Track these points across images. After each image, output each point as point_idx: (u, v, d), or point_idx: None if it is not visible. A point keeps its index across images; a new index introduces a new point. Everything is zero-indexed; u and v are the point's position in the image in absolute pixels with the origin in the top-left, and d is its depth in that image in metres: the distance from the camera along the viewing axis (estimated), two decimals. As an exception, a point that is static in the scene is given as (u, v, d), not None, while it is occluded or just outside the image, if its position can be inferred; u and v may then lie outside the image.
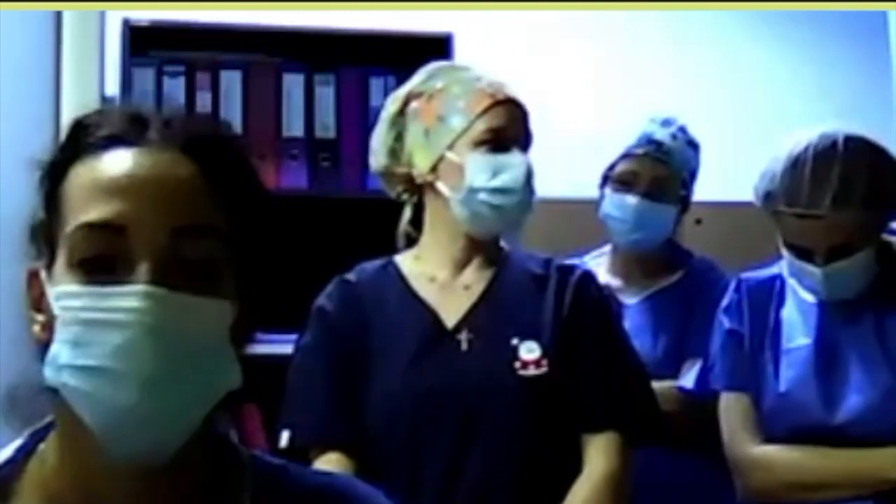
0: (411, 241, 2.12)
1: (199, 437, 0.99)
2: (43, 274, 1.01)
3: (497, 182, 1.99)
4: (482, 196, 2.00)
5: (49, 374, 0.97)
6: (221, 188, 1.00)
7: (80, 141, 1.01)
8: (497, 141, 2.00)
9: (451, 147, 2.02)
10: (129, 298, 0.94)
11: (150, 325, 0.94)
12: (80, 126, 1.02)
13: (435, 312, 2.01)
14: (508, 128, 2.01)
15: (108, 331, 0.94)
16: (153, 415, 0.94)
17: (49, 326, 0.99)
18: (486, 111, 2.01)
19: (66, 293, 0.97)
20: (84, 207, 0.97)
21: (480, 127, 2.01)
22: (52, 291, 0.98)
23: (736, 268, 2.56)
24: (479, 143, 2.00)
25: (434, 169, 2.04)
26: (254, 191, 1.05)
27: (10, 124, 2.41)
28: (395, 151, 2.10)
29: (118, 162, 0.98)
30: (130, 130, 1.00)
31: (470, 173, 2.00)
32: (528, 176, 1.99)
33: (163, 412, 0.95)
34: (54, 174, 1.01)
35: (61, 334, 0.96)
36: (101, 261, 0.96)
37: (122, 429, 0.95)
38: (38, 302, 1.01)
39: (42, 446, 1.04)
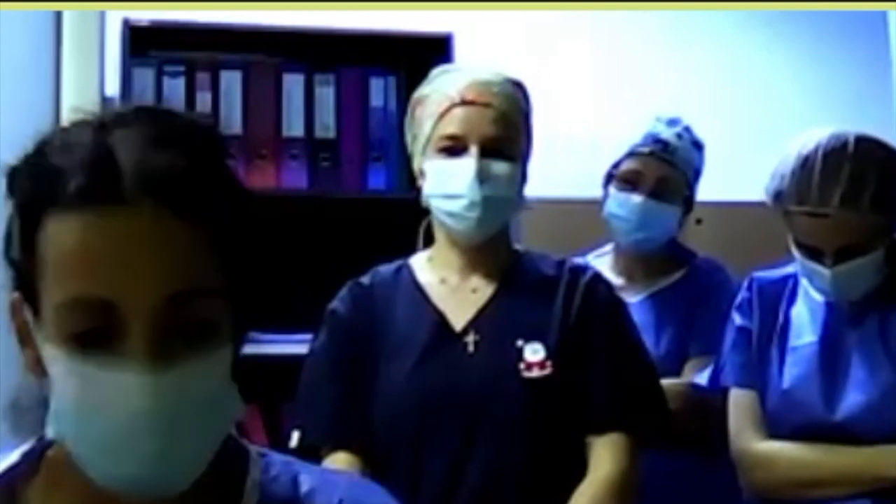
0: (432, 242, 2.12)
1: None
2: (27, 313, 0.97)
3: (445, 188, 2.00)
4: (435, 202, 2.02)
5: (53, 431, 0.96)
6: (208, 230, 0.94)
7: (52, 185, 0.93)
8: (452, 146, 2.00)
9: (423, 153, 2.04)
10: (125, 382, 0.91)
11: (150, 405, 0.91)
12: (47, 166, 0.95)
13: (443, 314, 2.02)
14: (464, 131, 1.99)
15: (108, 410, 0.91)
16: (165, 478, 0.94)
17: (39, 363, 0.96)
18: (443, 115, 2.01)
19: (59, 362, 0.93)
20: (67, 278, 0.92)
21: (438, 132, 2.01)
22: (43, 348, 0.95)
23: (736, 267, 2.57)
24: (439, 149, 2.01)
25: (421, 175, 2.06)
26: (244, 215, 0.99)
27: (9, 124, 2.41)
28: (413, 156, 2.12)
29: (97, 228, 0.91)
30: (104, 184, 0.92)
31: (427, 180, 2.02)
32: (485, 179, 1.97)
33: (171, 473, 0.94)
34: (28, 215, 0.95)
35: (60, 398, 0.94)
36: (93, 334, 0.92)
37: (129, 490, 0.95)
38: (23, 334, 0.98)
39: (50, 453, 1.03)
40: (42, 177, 0.95)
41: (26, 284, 0.96)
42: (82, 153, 0.94)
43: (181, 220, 0.93)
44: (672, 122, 2.63)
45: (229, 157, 1.02)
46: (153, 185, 0.92)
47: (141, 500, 0.97)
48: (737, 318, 2.22)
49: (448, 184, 1.99)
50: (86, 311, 0.91)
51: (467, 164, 1.98)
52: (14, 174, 0.98)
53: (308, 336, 2.10)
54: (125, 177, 0.92)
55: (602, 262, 2.65)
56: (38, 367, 0.97)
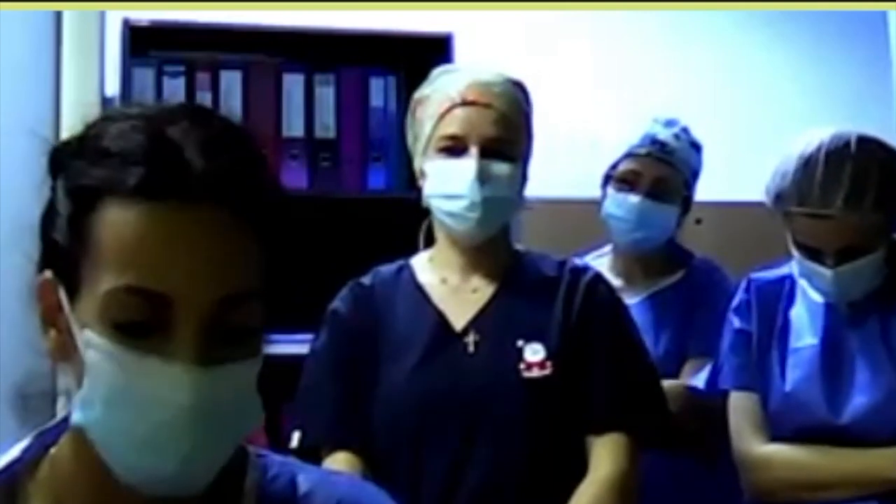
0: (433, 242, 2.12)
1: None
2: (62, 295, 0.96)
3: (445, 188, 2.00)
4: (435, 203, 2.02)
5: (79, 417, 0.94)
6: (263, 242, 0.96)
7: (113, 172, 0.93)
8: (453, 146, 2.00)
9: (424, 153, 2.04)
10: (172, 377, 0.91)
11: (194, 405, 0.91)
12: (106, 152, 0.94)
13: (444, 315, 2.02)
14: (465, 132, 1.99)
15: (149, 405, 0.91)
16: (192, 477, 0.94)
17: (63, 348, 0.96)
18: (443, 116, 2.01)
19: (99, 348, 0.92)
20: (125, 267, 0.92)
21: (438, 133, 2.01)
22: (79, 332, 0.94)
23: (736, 267, 2.57)
24: (439, 150, 2.01)
25: (422, 175, 2.06)
26: (287, 222, 1.01)
27: (10, 124, 2.41)
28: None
29: (161, 220, 0.92)
30: (170, 178, 0.92)
31: (428, 180, 2.03)
32: (486, 179, 1.97)
33: (193, 474, 0.95)
34: (82, 199, 0.94)
35: (94, 386, 0.93)
36: (142, 325, 0.92)
37: (149, 486, 0.95)
38: (52, 315, 0.97)
39: (54, 450, 1.03)
40: (101, 162, 0.94)
41: (66, 266, 0.95)
42: (144, 143, 0.94)
43: (239, 224, 0.94)
44: (670, 123, 2.63)
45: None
46: (220, 186, 0.93)
47: (149, 497, 0.96)
48: (735, 321, 2.22)
49: (448, 184, 1.99)
50: (140, 302, 0.91)
51: (468, 165, 1.98)
52: (63, 155, 0.98)
53: (308, 336, 2.10)
54: (194, 175, 0.93)
55: (601, 262, 2.65)
56: (60, 352, 0.97)
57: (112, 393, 0.92)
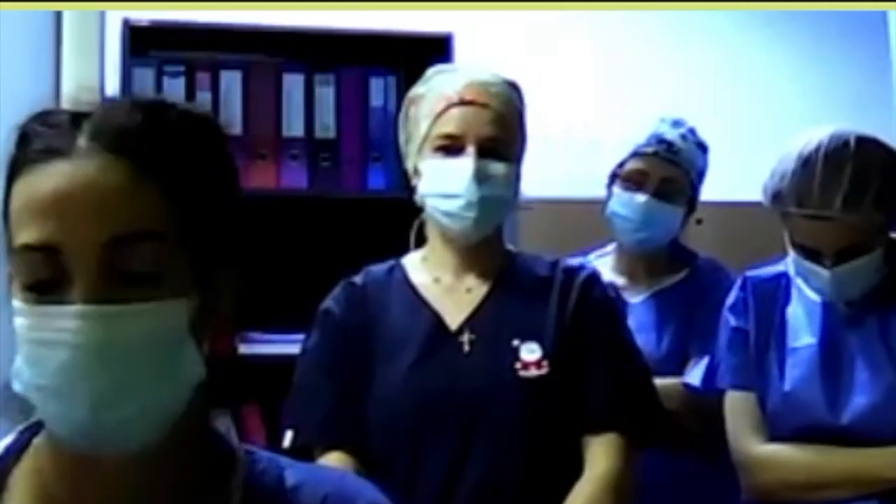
0: (423, 242, 2.12)
1: (183, 432, 1.00)
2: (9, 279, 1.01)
3: (442, 187, 2.00)
4: (431, 202, 2.02)
5: (16, 387, 0.98)
6: (161, 181, 0.97)
7: (21, 153, 0.99)
8: (450, 145, 2.00)
9: (419, 152, 2.04)
10: (65, 319, 0.94)
11: (87, 344, 0.93)
12: (22, 136, 1.01)
13: (438, 314, 2.01)
14: (462, 131, 1.99)
15: (52, 350, 0.94)
16: (112, 425, 0.95)
17: None
18: (440, 115, 2.01)
19: (19, 310, 0.97)
20: (21, 229, 0.96)
21: (435, 132, 2.01)
22: (13, 305, 0.98)
23: (736, 267, 2.57)
24: (436, 149, 2.01)
25: (416, 173, 2.06)
26: (207, 173, 1.02)
27: (9, 124, 2.41)
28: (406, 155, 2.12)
29: (48, 179, 0.96)
30: (63, 140, 0.97)
31: (423, 179, 2.03)
32: (483, 179, 1.97)
33: (121, 421, 0.96)
34: (6, 188, 1.00)
35: (20, 350, 0.97)
36: (44, 282, 0.96)
37: (85, 439, 0.96)
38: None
39: (37, 440, 1.05)
40: (17, 147, 1.01)
41: (7, 255, 0.99)
42: (58, 116, 1.01)
43: (127, 167, 0.96)
44: (677, 124, 2.64)
45: (213, 133, 1.05)
46: (104, 136, 0.97)
47: (114, 472, 0.98)
48: (731, 319, 2.21)
49: (445, 183, 1.99)
50: (36, 258, 0.95)
51: (465, 164, 1.98)
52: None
53: (308, 336, 2.10)
54: (83, 133, 0.98)
55: (604, 262, 2.66)
56: None
57: (28, 350, 0.96)
